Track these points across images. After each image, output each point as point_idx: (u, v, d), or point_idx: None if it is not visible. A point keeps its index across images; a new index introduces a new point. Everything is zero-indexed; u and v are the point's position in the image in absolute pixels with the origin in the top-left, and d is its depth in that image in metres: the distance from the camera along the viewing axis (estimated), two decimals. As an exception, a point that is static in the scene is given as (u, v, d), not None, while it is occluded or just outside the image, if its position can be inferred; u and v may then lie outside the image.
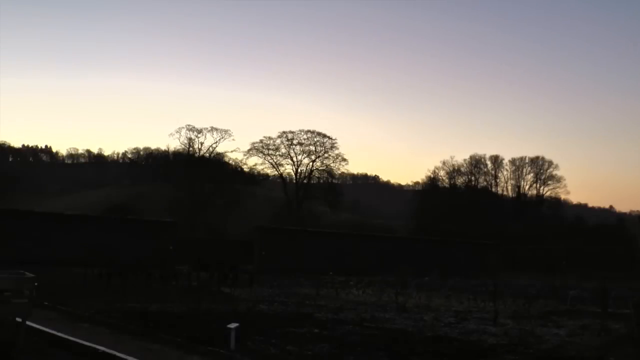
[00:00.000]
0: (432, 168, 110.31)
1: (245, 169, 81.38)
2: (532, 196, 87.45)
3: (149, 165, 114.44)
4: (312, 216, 70.45)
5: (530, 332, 10.47)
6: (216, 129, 76.51)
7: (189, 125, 76.31)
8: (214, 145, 77.16)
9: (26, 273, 8.23)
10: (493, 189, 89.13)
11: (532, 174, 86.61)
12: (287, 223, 53.61)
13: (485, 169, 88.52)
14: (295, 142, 76.46)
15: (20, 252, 26.27)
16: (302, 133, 76.54)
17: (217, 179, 72.21)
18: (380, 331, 10.13)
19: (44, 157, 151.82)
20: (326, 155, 76.87)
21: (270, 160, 78.39)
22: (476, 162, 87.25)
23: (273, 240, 36.67)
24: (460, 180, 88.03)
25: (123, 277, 14.80)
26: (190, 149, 77.91)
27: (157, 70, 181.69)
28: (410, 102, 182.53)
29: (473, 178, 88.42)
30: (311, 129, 76.78)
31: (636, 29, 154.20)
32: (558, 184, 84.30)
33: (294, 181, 79.34)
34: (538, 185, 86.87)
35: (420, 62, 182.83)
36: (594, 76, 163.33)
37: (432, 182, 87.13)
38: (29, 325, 7.84)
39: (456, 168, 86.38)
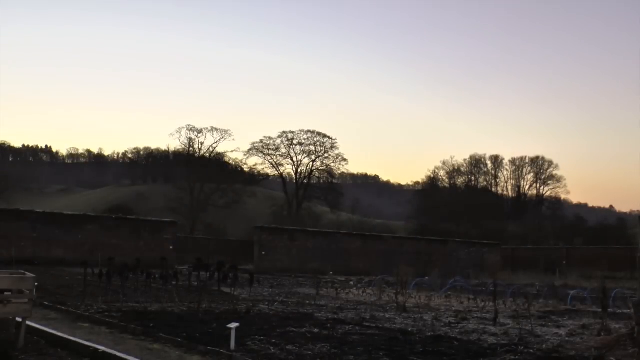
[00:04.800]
0: (432, 168, 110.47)
1: (245, 169, 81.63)
2: (532, 196, 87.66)
3: (149, 165, 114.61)
4: (312, 216, 70.53)
5: (530, 332, 10.47)
6: (216, 129, 76.79)
7: (189, 125, 76.63)
8: (214, 145, 77.39)
9: (26, 273, 8.25)
10: (493, 189, 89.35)
11: (532, 174, 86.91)
12: (287, 223, 53.61)
13: (485, 169, 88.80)
14: (295, 142, 76.68)
15: (20, 252, 26.31)
16: (302, 133, 76.77)
17: (217, 179, 72.30)
18: (380, 331, 10.14)
19: (44, 157, 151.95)
20: (326, 155, 77.11)
21: (270, 160, 78.60)
22: (476, 162, 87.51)
23: (273, 240, 36.69)
24: (460, 180, 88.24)
25: (123, 277, 14.77)
26: (191, 149, 78.15)
27: (157, 70, 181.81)
28: (410, 101, 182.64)
29: (473, 178, 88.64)
30: (311, 129, 76.98)
31: (637, 29, 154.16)
32: (558, 184, 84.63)
33: (294, 181, 79.51)
34: (538, 185, 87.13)
35: (420, 61, 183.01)
36: (594, 76, 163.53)
37: (432, 182, 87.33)
38: (29, 325, 7.84)
39: (456, 168, 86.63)
